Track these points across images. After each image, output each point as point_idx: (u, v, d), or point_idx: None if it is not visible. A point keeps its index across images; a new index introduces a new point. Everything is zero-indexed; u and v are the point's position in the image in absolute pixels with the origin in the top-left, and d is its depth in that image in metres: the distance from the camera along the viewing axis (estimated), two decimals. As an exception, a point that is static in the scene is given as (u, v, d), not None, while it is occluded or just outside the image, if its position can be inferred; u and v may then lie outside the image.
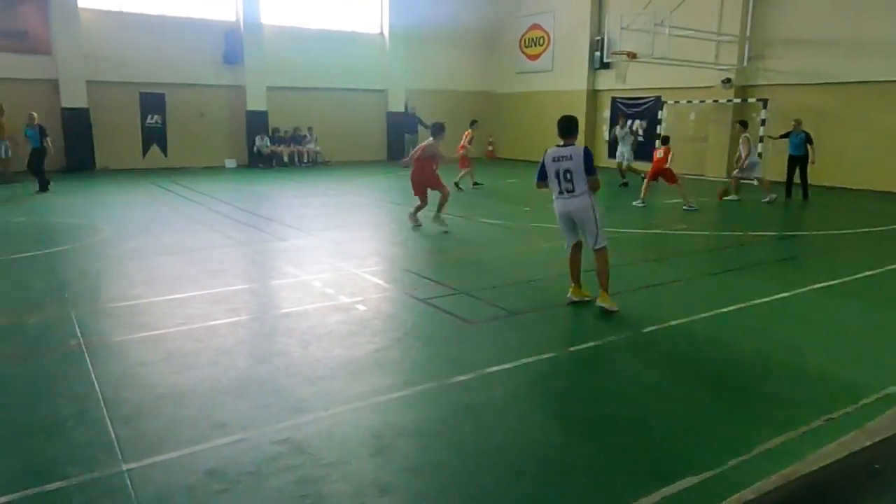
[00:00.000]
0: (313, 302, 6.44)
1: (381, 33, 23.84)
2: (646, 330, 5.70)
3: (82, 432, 3.81)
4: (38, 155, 14.58)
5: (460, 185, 15.34)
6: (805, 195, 14.08)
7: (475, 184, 15.97)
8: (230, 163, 21.32)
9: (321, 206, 13.25)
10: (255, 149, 21.29)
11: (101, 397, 4.22)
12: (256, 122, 21.37)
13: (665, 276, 7.72)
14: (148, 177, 17.67)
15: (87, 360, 4.85)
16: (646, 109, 20.92)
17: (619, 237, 9.79)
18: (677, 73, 18.65)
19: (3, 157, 16.32)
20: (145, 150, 20.32)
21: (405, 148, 20.97)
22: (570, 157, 5.95)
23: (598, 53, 21.67)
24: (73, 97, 18.71)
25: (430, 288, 7.02)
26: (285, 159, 21.61)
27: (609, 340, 5.45)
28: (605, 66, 21.47)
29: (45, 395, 4.34)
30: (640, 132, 18.64)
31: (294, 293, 6.82)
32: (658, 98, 20.41)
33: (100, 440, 3.69)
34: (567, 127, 6.05)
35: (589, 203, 6.00)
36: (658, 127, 19.60)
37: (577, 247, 6.32)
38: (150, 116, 20.17)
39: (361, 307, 6.29)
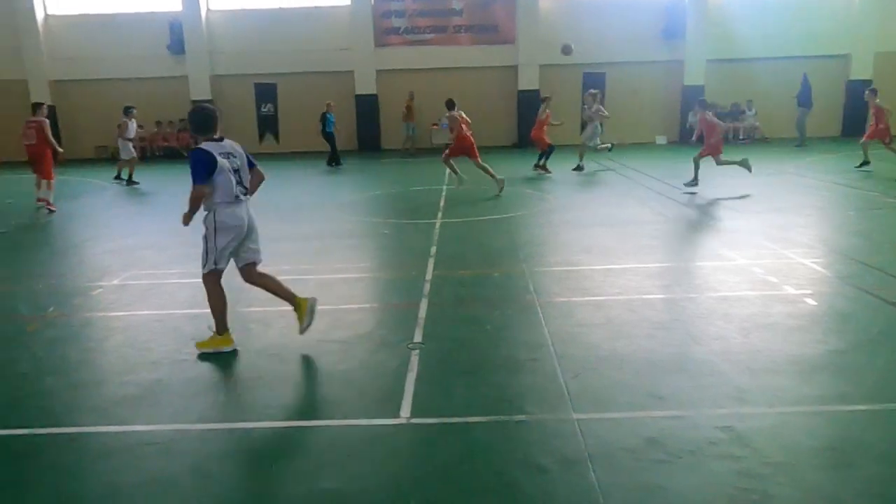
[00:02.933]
0: (753, 289, 6.03)
1: (852, -13, 20.53)
2: None
3: (537, 377, 4.34)
4: (331, 138, 17.55)
5: None
6: None
7: None
8: (661, 139, 21.30)
9: (761, 185, 12.23)
10: (687, 125, 20.77)
11: (552, 349, 4.74)
12: (693, 98, 20.77)
13: None
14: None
15: (540, 314, 5.49)
16: None
17: None
18: None
19: (410, 133, 20.15)
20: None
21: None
22: (235, 154, 4.72)
23: None
24: (528, 80, 21.05)
25: (901, 290, 5.89)
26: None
27: None
28: None
29: (507, 338, 5.08)
30: None
31: (730, 276, 6.49)
32: None
33: (552, 388, 4.15)
34: (212, 120, 4.71)
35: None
36: None
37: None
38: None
39: (811, 301, 5.65)
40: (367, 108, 21.22)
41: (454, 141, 12.03)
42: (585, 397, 4.00)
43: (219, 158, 4.57)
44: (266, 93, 21.28)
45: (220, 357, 4.79)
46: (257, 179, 4.97)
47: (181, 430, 3.76)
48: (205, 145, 4.62)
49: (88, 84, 21.13)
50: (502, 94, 21.37)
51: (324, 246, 8.33)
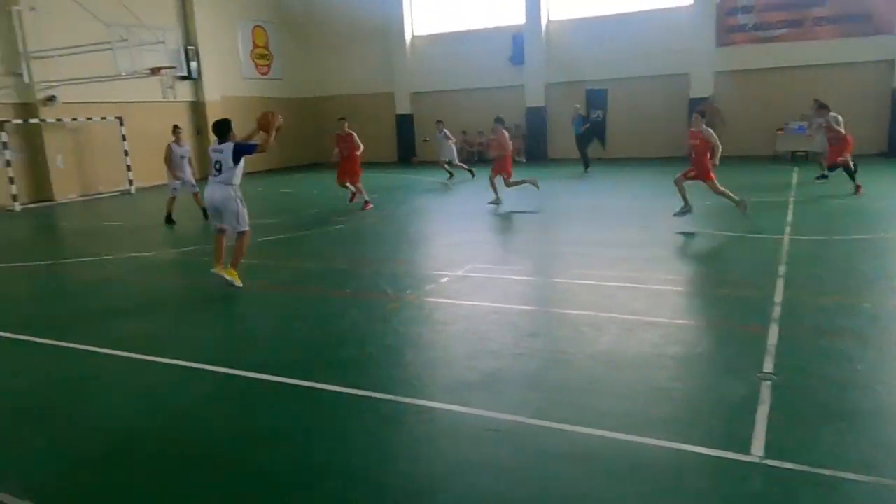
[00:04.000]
0: None
1: None
2: None
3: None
4: (581, 140, 18.40)
5: None
6: None
7: None
8: None
9: None
10: None
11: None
12: None
13: None
14: None
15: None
16: None
17: None
18: None
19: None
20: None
21: None
22: (222, 151, 7.10)
23: None
24: (908, 75, 17.62)
25: None
26: None
27: None
28: None
29: (888, 383, 4.22)
30: None
31: None
32: None
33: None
34: (218, 129, 7.22)
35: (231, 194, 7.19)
36: None
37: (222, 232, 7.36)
38: None
39: None
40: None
41: (497, 158, 12.57)
42: None
43: (210, 153, 7.29)
44: (596, 98, 21.45)
45: (554, 358, 4.89)
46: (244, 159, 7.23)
47: (519, 423, 3.90)
48: (212, 144, 7.35)
49: (440, 95, 23.78)
50: (872, 94, 18.22)
51: (654, 255, 8.01)
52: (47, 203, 16.88)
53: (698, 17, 19.71)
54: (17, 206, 15.89)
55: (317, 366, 4.97)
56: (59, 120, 17.10)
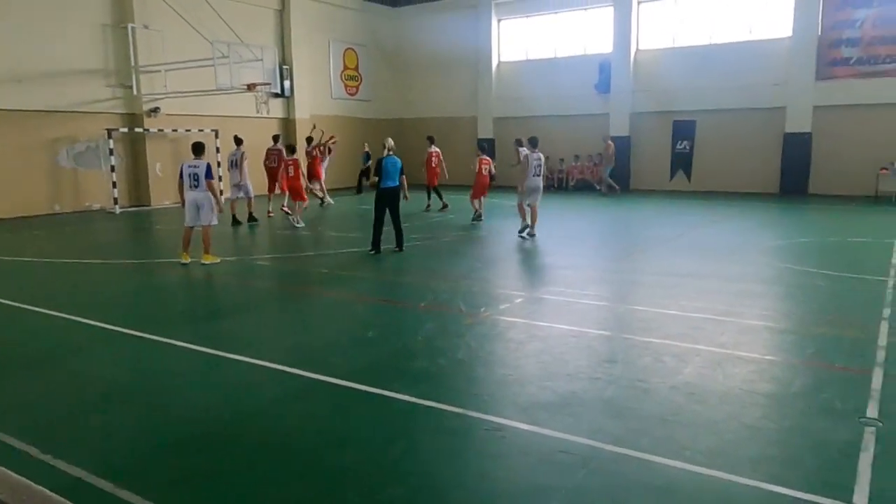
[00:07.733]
0: None
1: None
2: None
3: None
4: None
5: None
6: None
7: None
8: None
9: None
10: None
11: None
12: None
13: None
14: None
15: None
16: None
17: None
18: None
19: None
20: None
21: None
22: (197, 167, 9.16)
23: None
24: None
25: None
26: None
27: None
28: None
29: None
30: None
31: None
32: None
33: None
34: (196, 148, 9.43)
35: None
36: None
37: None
38: None
39: None
40: (798, 147, 19.11)
41: None
42: None
43: (185, 168, 9.23)
44: (684, 130, 20.88)
45: (633, 385, 4.66)
46: (212, 186, 9.24)
47: (594, 447, 3.71)
48: (186, 161, 9.39)
49: (523, 121, 23.75)
50: None
51: (746, 289, 7.59)
52: (144, 207, 17.84)
53: (798, 49, 18.92)
54: (118, 209, 16.88)
55: (389, 375, 4.93)
56: (160, 130, 18.14)
